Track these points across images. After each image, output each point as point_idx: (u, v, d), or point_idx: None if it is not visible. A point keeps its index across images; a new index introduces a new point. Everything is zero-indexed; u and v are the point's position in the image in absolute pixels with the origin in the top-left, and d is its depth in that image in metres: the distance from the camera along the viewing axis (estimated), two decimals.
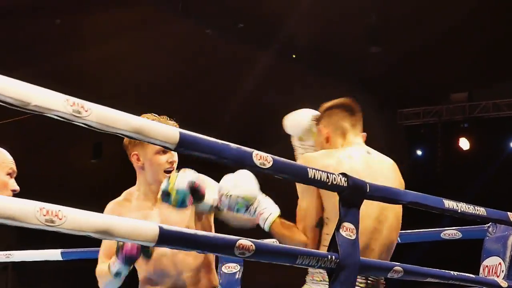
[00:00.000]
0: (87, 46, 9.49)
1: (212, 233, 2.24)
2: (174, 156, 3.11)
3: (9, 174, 2.73)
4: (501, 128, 12.11)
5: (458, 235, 3.94)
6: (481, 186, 11.99)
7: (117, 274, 2.84)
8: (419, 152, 12.79)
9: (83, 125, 1.81)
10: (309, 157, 2.87)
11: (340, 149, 2.95)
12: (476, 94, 12.18)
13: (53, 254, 4.59)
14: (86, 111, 1.79)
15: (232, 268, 3.86)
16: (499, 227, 3.41)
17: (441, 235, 3.98)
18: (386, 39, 9.92)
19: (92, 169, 11.45)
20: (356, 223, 2.43)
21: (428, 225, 4.23)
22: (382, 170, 2.95)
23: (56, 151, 10.38)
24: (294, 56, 10.53)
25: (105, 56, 9.58)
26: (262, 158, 2.16)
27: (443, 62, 10.72)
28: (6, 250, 4.69)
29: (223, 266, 3.86)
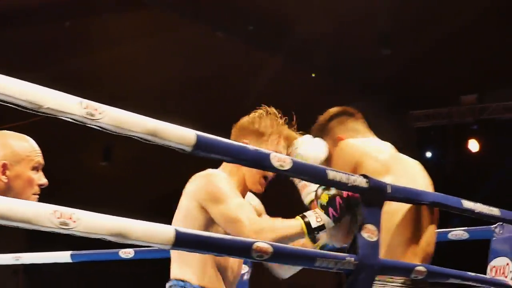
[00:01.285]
0: (97, 49, 9.51)
1: (229, 236, 2.21)
2: None
3: (35, 168, 2.52)
4: (511, 130, 12.09)
5: (465, 235, 3.94)
6: (491, 188, 11.97)
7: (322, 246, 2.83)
8: (428, 154, 12.77)
9: (96, 127, 1.80)
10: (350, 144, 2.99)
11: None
12: (486, 96, 12.16)
13: (63, 256, 4.55)
14: (99, 113, 1.79)
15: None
16: (506, 227, 3.44)
17: (449, 235, 3.98)
18: (397, 42, 9.91)
19: (101, 172, 11.46)
20: (377, 225, 2.42)
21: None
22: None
23: (66, 153, 10.39)
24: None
25: (115, 60, 9.60)
26: (281, 160, 2.15)
27: (453, 64, 10.70)
28: (16, 253, 4.68)
29: None
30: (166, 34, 9.37)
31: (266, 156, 2.13)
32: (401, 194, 2.59)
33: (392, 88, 11.36)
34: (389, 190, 2.46)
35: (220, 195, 2.77)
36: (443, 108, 12.37)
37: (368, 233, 2.35)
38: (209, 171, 2.96)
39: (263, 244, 2.06)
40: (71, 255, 4.51)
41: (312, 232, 2.56)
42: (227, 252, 2.13)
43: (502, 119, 12.10)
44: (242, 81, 10.31)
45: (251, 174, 2.97)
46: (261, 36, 9.72)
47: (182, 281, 2.88)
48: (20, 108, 1.68)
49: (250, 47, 9.92)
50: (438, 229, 4.21)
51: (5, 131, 2.56)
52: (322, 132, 3.13)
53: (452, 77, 11.09)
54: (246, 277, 3.89)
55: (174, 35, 9.46)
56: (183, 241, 1.88)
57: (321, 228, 2.55)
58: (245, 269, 3.87)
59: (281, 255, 2.15)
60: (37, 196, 2.53)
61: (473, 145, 12.26)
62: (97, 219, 1.73)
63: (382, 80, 11.05)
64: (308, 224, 2.55)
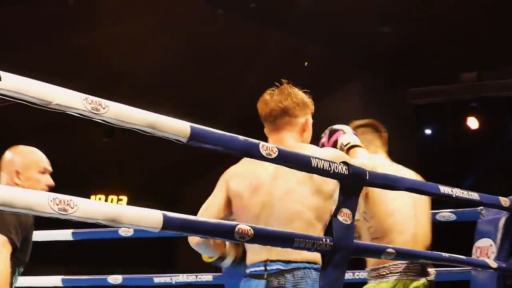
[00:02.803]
0: (98, 26, 9.59)
1: (214, 220, 2.40)
2: None
3: (41, 172, 3.18)
4: (509, 107, 12.23)
5: (453, 217, 4.11)
6: (490, 165, 12.13)
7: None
8: (428, 131, 12.93)
9: (101, 121, 1.98)
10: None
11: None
12: (485, 74, 12.28)
13: (64, 235, 4.75)
14: (103, 108, 1.96)
15: None
16: (492, 210, 3.55)
17: (436, 217, 4.14)
18: (397, 19, 9.99)
19: (104, 148, 11.65)
20: (353, 209, 2.60)
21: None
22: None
23: (69, 130, 10.53)
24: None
25: (116, 37, 9.70)
26: (268, 149, 2.32)
27: (453, 42, 10.79)
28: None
29: None
30: (167, 12, 9.47)
31: (255, 146, 2.30)
32: (379, 180, 2.76)
33: (392, 65, 11.47)
34: (367, 177, 2.63)
35: None
36: (442, 86, 12.51)
37: (343, 216, 2.53)
38: None
39: (245, 226, 2.24)
40: (72, 233, 4.72)
41: None
42: (212, 234, 2.32)
43: (501, 97, 12.24)
44: (244, 58, 10.42)
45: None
46: (263, 13, 9.82)
47: (314, 263, 2.82)
48: (31, 105, 1.86)
49: (252, 24, 10.02)
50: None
51: (19, 146, 3.30)
52: None
53: (452, 55, 11.18)
54: None
55: (176, 13, 9.56)
56: (171, 225, 2.07)
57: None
58: None
59: (261, 236, 2.33)
60: None
61: (472, 122, 12.39)
62: (93, 206, 1.91)
63: (382, 57, 11.15)
64: None
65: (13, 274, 2.98)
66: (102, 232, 4.70)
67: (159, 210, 2.04)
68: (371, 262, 3.35)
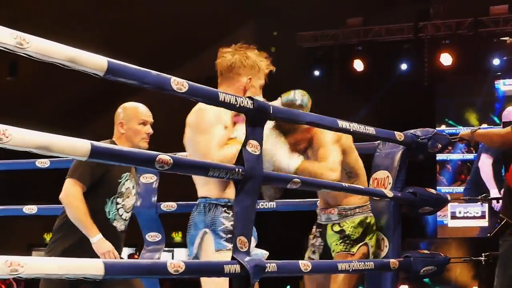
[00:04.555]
0: None
1: (137, 149, 2.51)
2: None
3: (141, 123, 3.65)
4: (392, 51, 12.66)
5: None
6: (374, 105, 12.58)
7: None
8: (316, 73, 13.25)
9: (25, 55, 2.04)
10: None
11: None
12: (370, 19, 12.66)
13: None
14: (27, 43, 2.01)
15: (149, 178, 4.20)
16: (388, 144, 3.74)
17: None
18: None
19: (7, 86, 11.51)
20: (260, 141, 2.76)
21: None
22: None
23: None
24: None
25: None
26: (179, 84, 2.44)
27: None
28: None
29: (141, 177, 4.16)
30: None
31: (167, 80, 2.42)
32: (282, 115, 2.94)
33: (282, 10, 11.65)
34: (271, 111, 2.79)
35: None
36: (330, 30, 12.84)
37: (252, 147, 2.70)
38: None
39: (165, 156, 2.37)
40: None
41: None
42: (135, 163, 2.44)
43: (385, 41, 12.66)
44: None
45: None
46: None
47: (204, 198, 3.14)
48: None
49: None
50: None
51: (125, 103, 3.76)
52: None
53: (339, 1, 11.45)
54: (155, 185, 4.22)
55: None
56: (98, 153, 2.18)
57: None
58: (153, 178, 4.20)
59: (179, 165, 2.46)
60: (147, 140, 3.67)
61: (358, 65, 12.79)
62: (26, 135, 1.99)
63: (271, 2, 11.32)
64: None
65: (102, 204, 3.53)
66: (21, 163, 4.62)
67: (87, 140, 2.15)
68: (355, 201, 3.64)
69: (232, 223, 2.91)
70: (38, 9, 10.17)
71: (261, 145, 2.77)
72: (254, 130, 2.76)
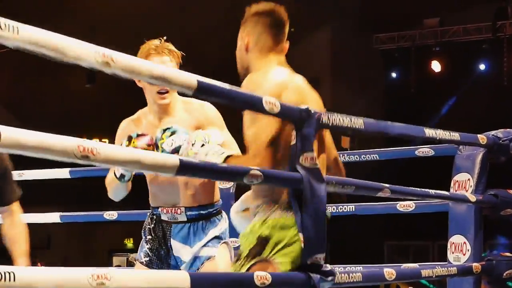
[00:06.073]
0: None
1: (226, 164, 2.48)
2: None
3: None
4: (470, 52, 12.51)
5: (431, 152, 4.30)
6: (452, 106, 12.45)
7: (122, 177, 2.98)
8: (394, 75, 13.18)
9: (112, 74, 2.00)
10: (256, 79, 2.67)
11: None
12: (447, 19, 12.53)
13: (62, 173, 4.77)
14: (113, 61, 1.97)
15: (227, 183, 4.21)
16: (468, 146, 3.69)
17: (416, 152, 4.31)
18: None
19: (86, 94, 11.76)
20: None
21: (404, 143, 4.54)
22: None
23: (52, 76, 10.56)
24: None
25: None
26: (271, 104, 2.31)
27: None
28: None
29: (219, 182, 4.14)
30: None
31: (259, 100, 2.31)
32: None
33: (359, 12, 11.62)
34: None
35: None
36: (407, 31, 12.76)
37: (308, 162, 2.50)
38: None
39: (255, 171, 2.28)
40: (70, 171, 4.72)
41: None
42: (226, 178, 2.40)
43: (462, 41, 12.52)
44: (219, 13, 10.46)
45: (149, 92, 3.28)
46: None
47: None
48: (47, 58, 1.83)
49: None
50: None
51: None
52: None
53: (415, 2, 11.36)
54: (232, 190, 4.22)
55: None
56: (186, 168, 2.18)
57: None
58: (230, 183, 4.19)
59: (269, 178, 2.39)
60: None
61: (436, 66, 12.68)
62: (114, 151, 1.99)
63: (349, 4, 11.29)
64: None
65: None
66: (98, 170, 4.66)
67: (176, 156, 2.16)
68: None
69: None
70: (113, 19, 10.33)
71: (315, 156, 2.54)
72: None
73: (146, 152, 2.11)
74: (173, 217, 3.29)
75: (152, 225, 3.33)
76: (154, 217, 3.33)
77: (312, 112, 2.51)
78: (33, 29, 1.79)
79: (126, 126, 3.40)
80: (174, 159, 2.13)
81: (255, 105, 2.37)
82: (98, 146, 1.92)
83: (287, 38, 2.83)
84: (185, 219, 3.27)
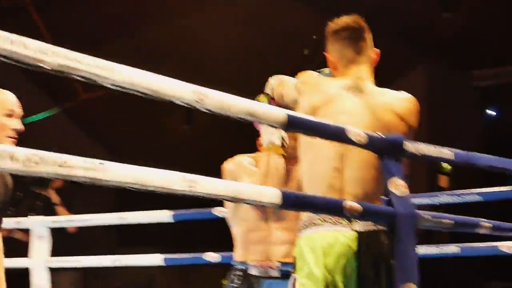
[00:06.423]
0: (166, 21, 9.82)
1: (323, 196, 2.49)
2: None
3: (8, 115, 2.89)
4: None
5: None
6: None
7: None
8: (493, 113, 12.93)
9: (203, 110, 2.07)
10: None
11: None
12: None
13: (164, 216, 4.78)
14: (206, 98, 2.05)
15: None
16: None
17: None
18: (457, 3, 9.98)
19: (184, 135, 11.90)
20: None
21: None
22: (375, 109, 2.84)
23: (150, 116, 10.73)
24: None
25: (185, 30, 9.92)
26: (358, 135, 2.42)
27: None
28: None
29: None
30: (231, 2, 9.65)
31: (341, 130, 2.47)
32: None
33: (454, 48, 11.47)
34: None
35: None
36: (505, 67, 12.50)
37: (398, 188, 2.59)
38: None
39: (354, 204, 2.31)
40: (173, 215, 4.75)
41: None
42: (325, 211, 2.39)
43: None
44: (307, 46, 10.50)
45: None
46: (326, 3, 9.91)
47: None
48: (144, 96, 1.92)
49: (315, 12, 10.12)
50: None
51: None
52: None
53: None
54: None
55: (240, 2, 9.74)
56: (289, 203, 2.21)
57: None
58: None
59: (369, 214, 2.45)
60: (13, 140, 2.88)
61: None
62: (215, 184, 2.04)
63: (445, 42, 11.17)
64: None
65: None
66: (199, 213, 4.71)
67: (277, 188, 2.16)
68: None
69: None
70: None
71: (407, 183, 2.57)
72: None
73: (247, 185, 2.12)
74: (265, 272, 3.17)
75: (240, 282, 3.19)
76: (241, 273, 3.22)
77: (398, 141, 2.52)
78: (134, 71, 1.87)
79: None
80: (277, 192, 2.13)
81: (341, 138, 2.39)
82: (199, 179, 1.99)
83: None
84: (278, 275, 3.16)
